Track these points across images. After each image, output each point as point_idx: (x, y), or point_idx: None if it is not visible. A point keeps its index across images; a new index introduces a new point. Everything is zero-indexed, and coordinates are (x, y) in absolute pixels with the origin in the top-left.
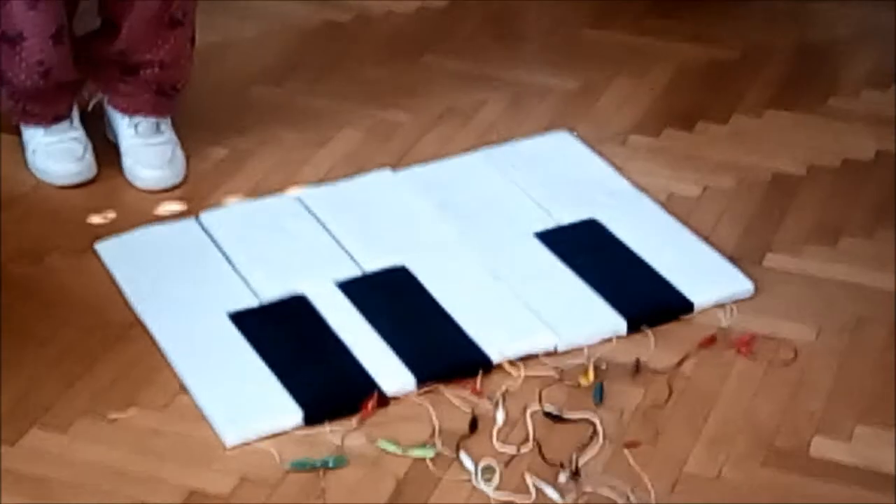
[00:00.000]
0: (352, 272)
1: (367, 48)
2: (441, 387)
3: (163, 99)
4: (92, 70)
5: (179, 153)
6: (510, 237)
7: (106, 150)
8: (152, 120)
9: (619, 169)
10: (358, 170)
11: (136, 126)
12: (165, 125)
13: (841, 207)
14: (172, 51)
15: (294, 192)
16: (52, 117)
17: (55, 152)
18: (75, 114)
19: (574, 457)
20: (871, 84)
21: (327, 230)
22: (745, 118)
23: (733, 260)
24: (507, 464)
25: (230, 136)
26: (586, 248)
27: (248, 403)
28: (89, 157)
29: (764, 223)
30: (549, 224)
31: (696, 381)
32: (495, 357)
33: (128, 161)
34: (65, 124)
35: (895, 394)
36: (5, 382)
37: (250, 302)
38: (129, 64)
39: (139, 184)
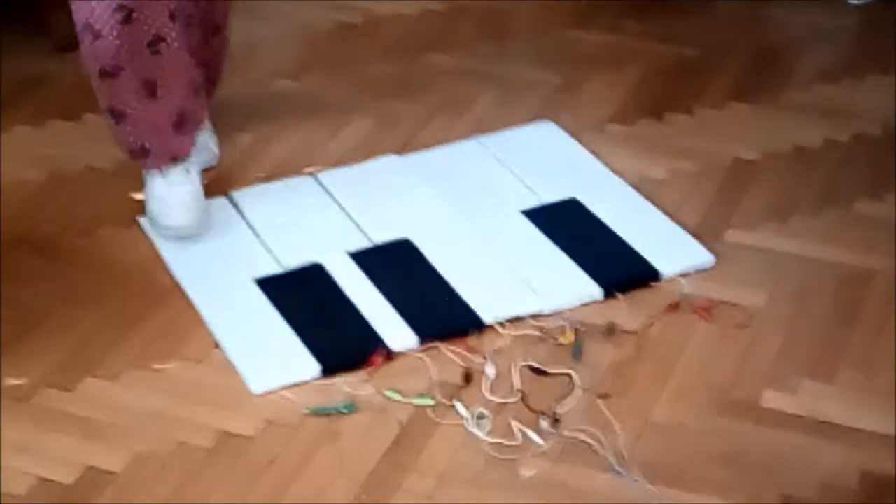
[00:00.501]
0: (362, 244)
1: (376, 47)
2: (439, 344)
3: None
4: None
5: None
6: (500, 214)
7: None
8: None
9: (596, 154)
10: (367, 154)
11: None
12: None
13: (792, 189)
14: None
15: (310, 172)
16: (169, 159)
17: (168, 202)
18: (196, 159)
19: (554, 406)
20: (820, 79)
21: (341, 207)
22: (709, 110)
23: (696, 235)
24: (496, 412)
25: (255, 124)
26: (567, 224)
27: (273, 357)
28: (197, 210)
29: (724, 203)
30: (535, 203)
31: (662, 341)
32: (487, 318)
33: (153, 204)
34: (182, 174)
35: (836, 352)
36: (63, 338)
37: (274, 269)
38: None
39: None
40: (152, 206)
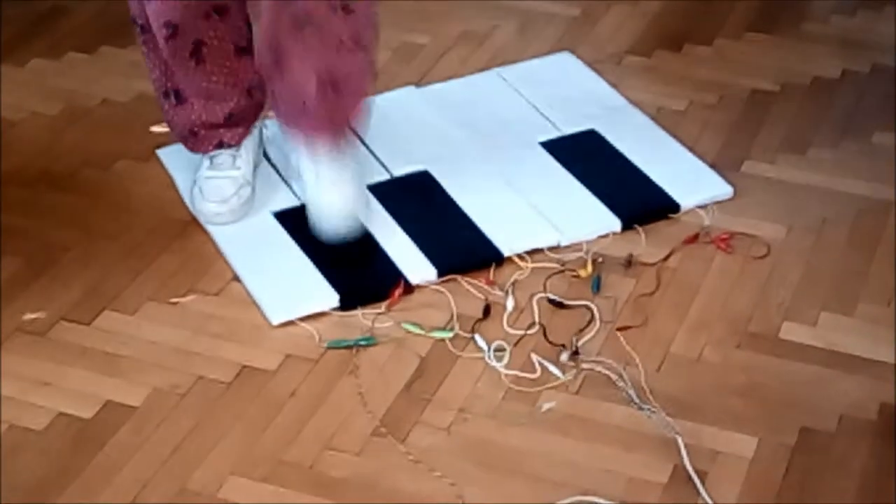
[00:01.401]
0: (381, 176)
1: None
2: (458, 277)
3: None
4: None
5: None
6: (519, 146)
7: None
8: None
9: (615, 86)
10: (385, 86)
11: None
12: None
13: (810, 121)
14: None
15: None
16: (217, 143)
17: (207, 187)
18: (245, 150)
19: (574, 339)
20: (838, 11)
21: (360, 139)
22: (727, 41)
23: (715, 167)
24: (515, 344)
25: None
26: (586, 156)
27: (292, 290)
28: (236, 201)
29: (742, 134)
30: (553, 134)
31: (681, 274)
32: (506, 251)
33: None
34: (228, 159)
35: (854, 284)
36: (81, 272)
37: (292, 202)
38: None
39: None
40: (193, 189)
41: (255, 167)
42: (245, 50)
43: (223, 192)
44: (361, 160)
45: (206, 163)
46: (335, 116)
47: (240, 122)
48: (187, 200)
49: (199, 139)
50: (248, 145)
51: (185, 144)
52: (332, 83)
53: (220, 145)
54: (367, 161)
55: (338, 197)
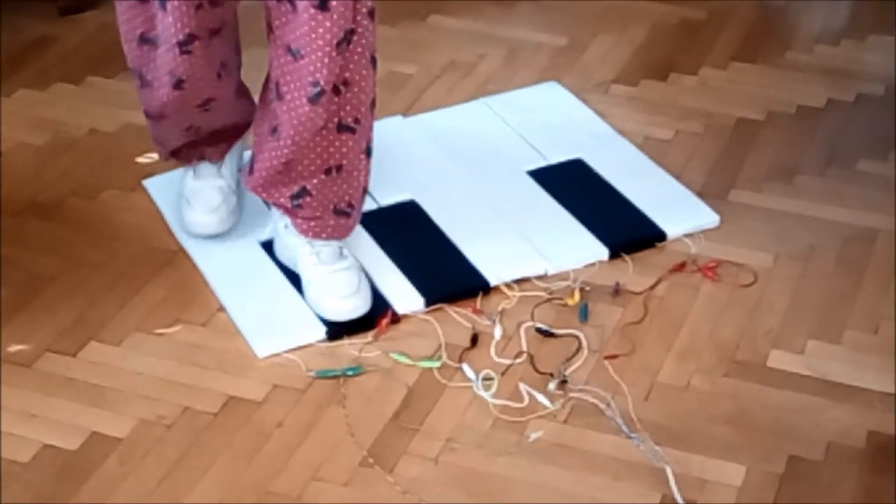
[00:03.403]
0: (368, 205)
1: (381, 9)
2: (446, 306)
3: (339, 219)
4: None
5: (365, 280)
6: (506, 175)
7: None
8: (336, 245)
9: (601, 115)
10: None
11: (318, 253)
12: (347, 249)
13: (796, 149)
14: (343, 159)
15: None
16: (198, 157)
17: (193, 198)
18: (230, 160)
19: (561, 367)
20: (822, 40)
21: None
22: (712, 70)
23: (701, 195)
24: (503, 373)
25: (259, 86)
26: (573, 185)
27: (278, 320)
28: (224, 210)
29: (728, 163)
30: (540, 163)
31: (668, 302)
32: (493, 280)
33: (311, 291)
34: (212, 169)
35: (841, 312)
36: (67, 302)
37: None
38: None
39: (328, 316)
40: (182, 203)
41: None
42: (243, 92)
43: (211, 201)
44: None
45: (190, 173)
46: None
47: (224, 140)
48: (174, 226)
49: (181, 156)
50: (232, 154)
51: (168, 159)
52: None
53: (202, 159)
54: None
55: (343, 283)
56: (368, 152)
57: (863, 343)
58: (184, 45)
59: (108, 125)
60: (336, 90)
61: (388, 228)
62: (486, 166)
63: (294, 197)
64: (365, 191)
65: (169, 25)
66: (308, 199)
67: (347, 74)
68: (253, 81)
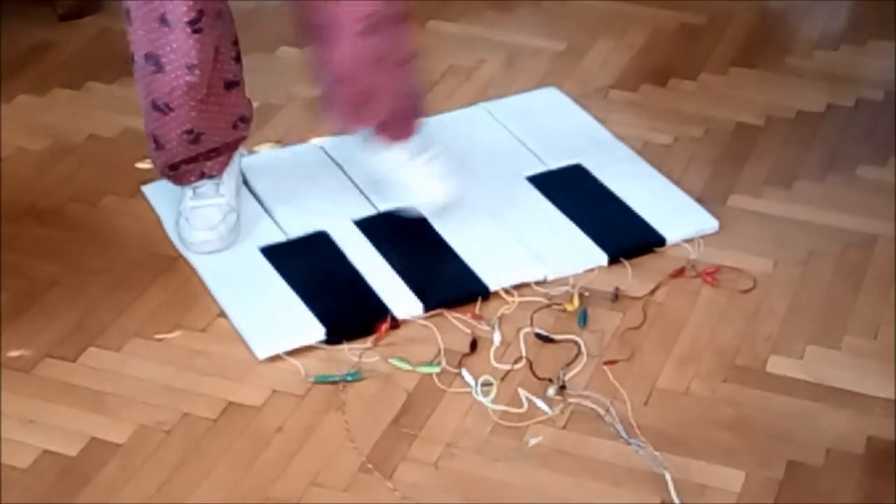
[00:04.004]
0: (367, 211)
1: None
2: (445, 312)
3: (405, 123)
4: None
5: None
6: (505, 180)
7: None
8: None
9: (600, 120)
10: None
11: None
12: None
13: (796, 154)
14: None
15: (316, 141)
16: (197, 175)
17: (193, 217)
18: (228, 176)
19: (561, 373)
20: (822, 45)
21: (346, 174)
22: (712, 75)
23: (700, 200)
24: (502, 379)
25: (261, 92)
26: (572, 191)
27: (278, 324)
28: (224, 227)
29: (728, 168)
30: (540, 169)
31: (668, 307)
32: (492, 285)
33: (403, 189)
34: (212, 187)
35: (841, 317)
36: (67, 308)
37: (279, 237)
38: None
39: (426, 205)
40: (181, 221)
41: (238, 192)
42: (233, 84)
43: (210, 220)
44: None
45: (189, 193)
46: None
47: (222, 153)
48: (173, 234)
49: (181, 173)
50: (230, 171)
51: (166, 179)
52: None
53: (202, 176)
54: (355, 196)
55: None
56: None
57: (862, 348)
58: (194, 24)
59: (107, 131)
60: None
61: (387, 234)
62: (485, 172)
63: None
64: (416, 95)
65: (179, 5)
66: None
67: None
68: (253, 86)
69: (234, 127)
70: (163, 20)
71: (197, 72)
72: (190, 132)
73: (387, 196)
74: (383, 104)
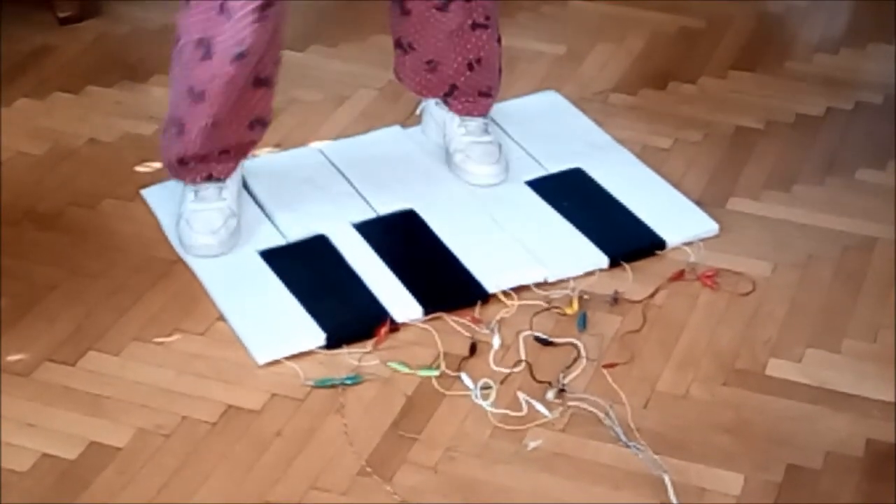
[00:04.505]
0: (366, 215)
1: (379, 18)
2: (444, 315)
3: (483, 99)
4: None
5: (504, 154)
6: (505, 184)
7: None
8: (481, 121)
9: (600, 124)
10: (371, 126)
11: (466, 126)
12: (492, 126)
13: (795, 158)
14: (480, 52)
15: (316, 145)
16: (204, 175)
17: (194, 220)
18: (231, 183)
19: (560, 376)
20: (821, 49)
21: (345, 178)
22: (711, 79)
23: (700, 204)
24: (502, 382)
25: None
26: (572, 194)
27: (277, 328)
28: (224, 232)
29: (727, 171)
30: (539, 172)
31: (667, 311)
32: (492, 288)
33: (459, 158)
34: (214, 191)
35: (840, 320)
36: (66, 311)
37: (278, 241)
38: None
39: (471, 179)
40: (181, 222)
41: (238, 196)
42: (263, 83)
43: (212, 223)
44: None
45: (191, 195)
46: None
47: (233, 157)
48: (172, 237)
49: (188, 170)
50: (234, 176)
51: (171, 172)
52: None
53: (209, 178)
54: (355, 199)
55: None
56: (499, 40)
57: (861, 352)
58: (263, 9)
59: (107, 135)
60: None
61: (386, 237)
62: None
63: (447, 95)
64: (500, 72)
65: None
66: (457, 92)
67: None
68: None
69: (251, 127)
70: (222, 9)
71: (245, 61)
72: (213, 125)
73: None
74: (449, 72)
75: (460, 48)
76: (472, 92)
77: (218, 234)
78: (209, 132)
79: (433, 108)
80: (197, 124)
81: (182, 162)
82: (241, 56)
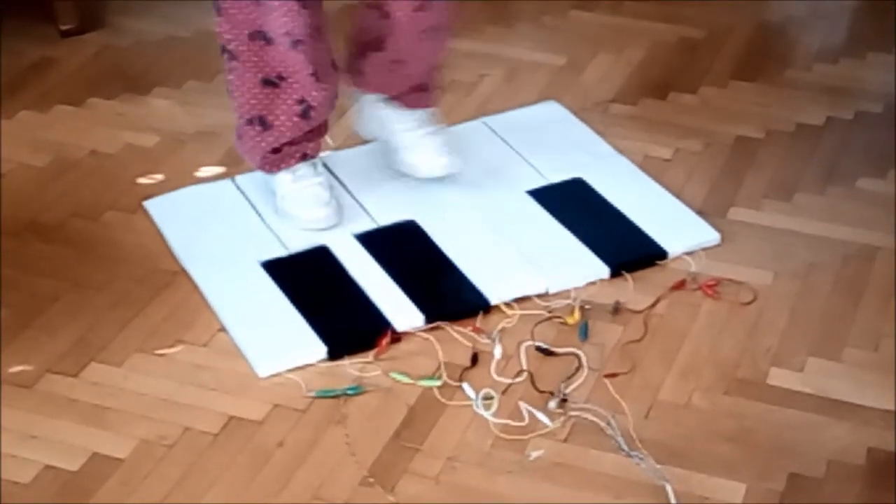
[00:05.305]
0: (368, 225)
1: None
2: (446, 325)
3: (434, 91)
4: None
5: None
6: (506, 194)
7: (166, 123)
8: (427, 112)
9: (601, 134)
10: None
11: (414, 119)
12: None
13: (795, 167)
14: (443, 52)
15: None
16: (300, 156)
17: (303, 198)
18: (320, 158)
19: (562, 386)
20: (821, 58)
21: (346, 189)
22: (712, 89)
23: (701, 213)
24: (503, 392)
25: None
26: (573, 204)
27: (279, 341)
28: (335, 202)
29: (728, 181)
30: (540, 183)
31: (669, 320)
32: (493, 299)
33: (407, 153)
34: (310, 168)
35: (841, 329)
36: (69, 323)
37: (280, 252)
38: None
39: (424, 172)
40: (287, 206)
41: None
42: (334, 64)
43: (321, 197)
44: None
45: (287, 179)
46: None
47: (321, 133)
48: (176, 249)
49: (283, 155)
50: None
51: (266, 166)
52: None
53: (304, 157)
54: (356, 210)
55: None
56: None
57: (862, 360)
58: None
59: (108, 147)
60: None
61: (388, 248)
62: (486, 186)
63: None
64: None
65: None
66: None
67: None
68: None
69: (332, 105)
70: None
71: (301, 47)
72: (301, 102)
73: (390, 161)
74: (415, 71)
75: (430, 48)
76: (427, 86)
77: (331, 205)
78: (301, 113)
79: (373, 104)
80: (282, 108)
81: (276, 151)
82: (296, 44)
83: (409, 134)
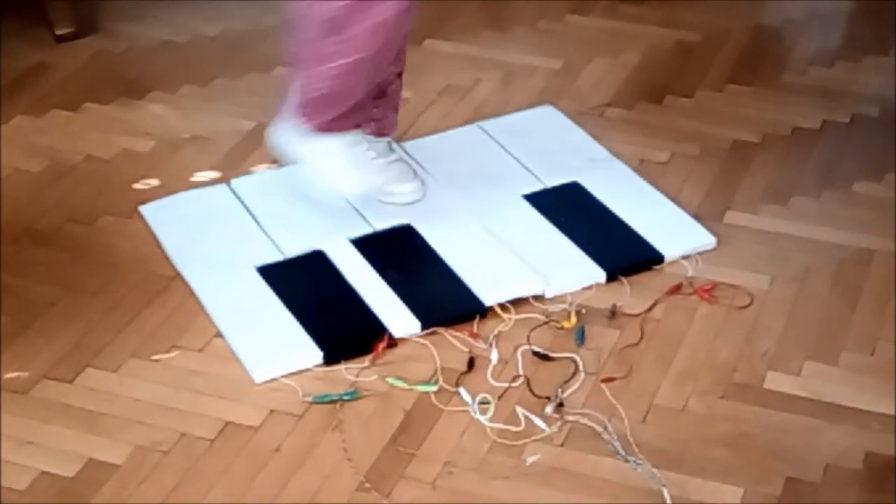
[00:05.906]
0: (364, 230)
1: None
2: (442, 330)
3: (394, 116)
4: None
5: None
6: (501, 199)
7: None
8: (387, 140)
9: (597, 138)
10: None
11: (375, 148)
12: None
13: (792, 171)
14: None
15: None
16: (364, 119)
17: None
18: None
19: (558, 391)
20: (817, 62)
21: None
22: (708, 93)
23: (697, 217)
24: (500, 397)
25: (257, 112)
26: (569, 208)
27: (275, 346)
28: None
29: (724, 185)
30: (536, 187)
31: (665, 324)
32: (489, 304)
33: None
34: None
35: (838, 333)
36: (64, 328)
37: (275, 257)
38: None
39: (395, 199)
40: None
41: None
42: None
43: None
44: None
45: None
46: None
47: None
48: (172, 253)
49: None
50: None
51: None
52: None
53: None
54: (351, 215)
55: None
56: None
57: (860, 364)
58: None
59: (104, 152)
60: None
61: (383, 252)
62: (482, 190)
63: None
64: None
65: None
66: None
67: None
68: (249, 106)
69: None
70: None
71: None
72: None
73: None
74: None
75: (399, 58)
76: (390, 107)
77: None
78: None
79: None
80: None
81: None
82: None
83: (374, 163)
